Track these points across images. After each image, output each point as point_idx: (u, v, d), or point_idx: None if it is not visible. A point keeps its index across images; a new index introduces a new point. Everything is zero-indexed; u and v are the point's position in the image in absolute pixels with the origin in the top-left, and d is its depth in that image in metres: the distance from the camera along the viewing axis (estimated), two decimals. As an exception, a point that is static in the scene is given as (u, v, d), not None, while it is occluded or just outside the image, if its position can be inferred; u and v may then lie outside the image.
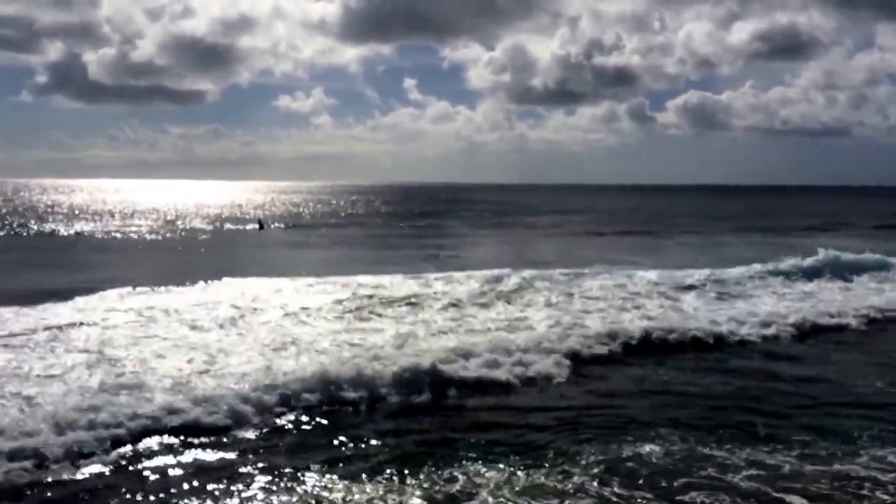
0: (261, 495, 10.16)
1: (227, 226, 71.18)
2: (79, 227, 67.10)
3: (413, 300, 23.92)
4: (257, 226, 70.95)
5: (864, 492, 10.35)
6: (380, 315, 21.78)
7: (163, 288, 25.86)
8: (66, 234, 59.95)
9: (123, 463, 11.17)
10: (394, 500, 9.99)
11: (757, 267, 31.12)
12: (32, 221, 74.04)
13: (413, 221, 79.67)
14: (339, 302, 23.37)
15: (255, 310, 22.06)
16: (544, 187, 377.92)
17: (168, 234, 59.10)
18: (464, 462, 11.17)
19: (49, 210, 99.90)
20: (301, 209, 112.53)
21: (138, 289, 25.41)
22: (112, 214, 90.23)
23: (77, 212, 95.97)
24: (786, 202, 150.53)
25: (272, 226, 71.69)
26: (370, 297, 24.39)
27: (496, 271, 29.55)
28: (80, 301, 23.03)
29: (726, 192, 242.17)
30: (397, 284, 27.18)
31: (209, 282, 27.47)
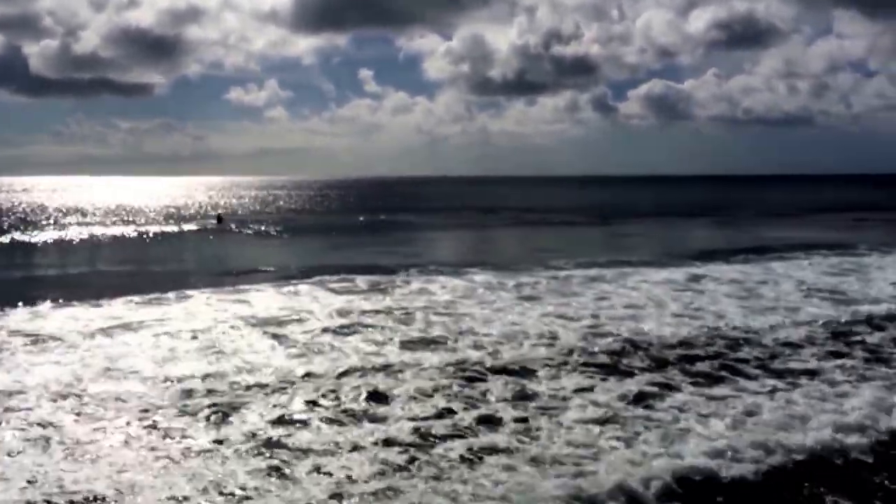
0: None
1: (185, 226, 68.31)
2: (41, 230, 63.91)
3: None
4: (216, 221, 69.99)
5: None
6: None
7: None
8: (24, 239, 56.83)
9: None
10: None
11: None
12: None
13: (374, 216, 77.72)
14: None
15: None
16: (509, 179, 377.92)
17: (123, 234, 56.59)
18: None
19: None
20: (258, 205, 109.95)
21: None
22: (61, 214, 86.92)
23: (37, 213, 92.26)
24: (750, 192, 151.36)
25: (231, 226, 69.23)
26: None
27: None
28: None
29: (692, 183, 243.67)
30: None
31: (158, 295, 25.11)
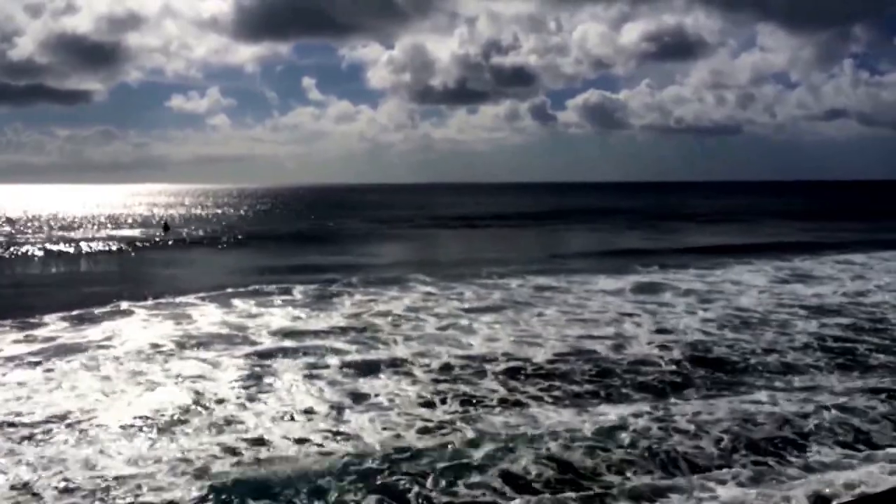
0: None
1: (132, 234, 65.37)
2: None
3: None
4: (162, 229, 67.62)
5: None
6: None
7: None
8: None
9: None
10: None
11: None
12: None
13: (318, 224, 76.15)
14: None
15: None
16: (451, 186, 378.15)
17: (70, 243, 53.72)
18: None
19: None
20: (203, 213, 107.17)
21: None
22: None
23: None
24: (681, 198, 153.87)
25: (178, 234, 66.57)
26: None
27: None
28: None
29: (628, 189, 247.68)
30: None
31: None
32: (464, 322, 21.39)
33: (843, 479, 10.57)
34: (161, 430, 12.61)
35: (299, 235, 60.81)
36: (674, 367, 16.41)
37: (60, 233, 65.85)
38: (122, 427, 12.72)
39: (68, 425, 12.81)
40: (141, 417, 13.18)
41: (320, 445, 11.91)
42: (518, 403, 14.07)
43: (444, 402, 14.15)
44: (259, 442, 12.02)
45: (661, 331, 20.14)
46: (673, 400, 14.13)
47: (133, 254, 47.07)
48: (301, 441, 12.08)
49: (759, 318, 21.83)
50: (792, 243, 46.11)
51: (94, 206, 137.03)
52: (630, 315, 22.34)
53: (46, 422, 12.99)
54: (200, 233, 63.73)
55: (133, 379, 15.67)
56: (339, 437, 12.26)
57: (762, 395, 14.33)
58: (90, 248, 50.61)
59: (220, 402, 14.06)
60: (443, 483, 10.55)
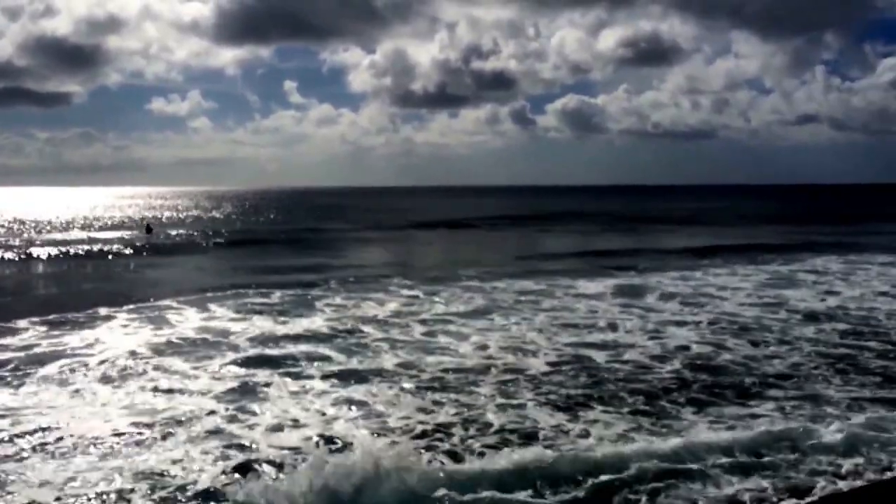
0: None
1: (115, 236, 64.08)
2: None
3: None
4: (145, 231, 66.83)
5: None
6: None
7: None
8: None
9: None
10: None
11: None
12: None
13: (299, 227, 75.43)
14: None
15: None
16: (432, 189, 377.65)
17: (51, 246, 52.56)
18: None
19: None
20: (185, 215, 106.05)
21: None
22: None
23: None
24: (659, 202, 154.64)
25: (160, 236, 65.50)
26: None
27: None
28: None
29: (606, 193, 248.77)
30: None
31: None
32: (449, 327, 20.96)
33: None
34: (140, 444, 11.95)
35: (280, 238, 60.10)
36: (673, 376, 15.96)
37: (38, 235, 64.54)
38: (99, 441, 12.02)
39: (40, 440, 12.08)
40: (119, 432, 12.46)
41: (309, 454, 11.30)
42: (514, 407, 13.74)
43: (439, 407, 13.74)
44: (246, 452, 11.51)
45: (652, 337, 19.68)
46: (672, 409, 13.81)
47: (113, 257, 46.10)
48: (290, 450, 11.60)
49: (746, 322, 21.53)
50: (767, 245, 46.36)
51: (74, 208, 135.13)
52: (618, 319, 21.96)
53: (17, 436, 12.24)
54: (183, 235, 62.89)
55: (111, 390, 14.96)
56: (330, 446, 11.76)
57: (768, 404, 14.06)
58: (69, 250, 49.14)
59: (204, 412, 13.44)
60: (442, 485, 10.17)
